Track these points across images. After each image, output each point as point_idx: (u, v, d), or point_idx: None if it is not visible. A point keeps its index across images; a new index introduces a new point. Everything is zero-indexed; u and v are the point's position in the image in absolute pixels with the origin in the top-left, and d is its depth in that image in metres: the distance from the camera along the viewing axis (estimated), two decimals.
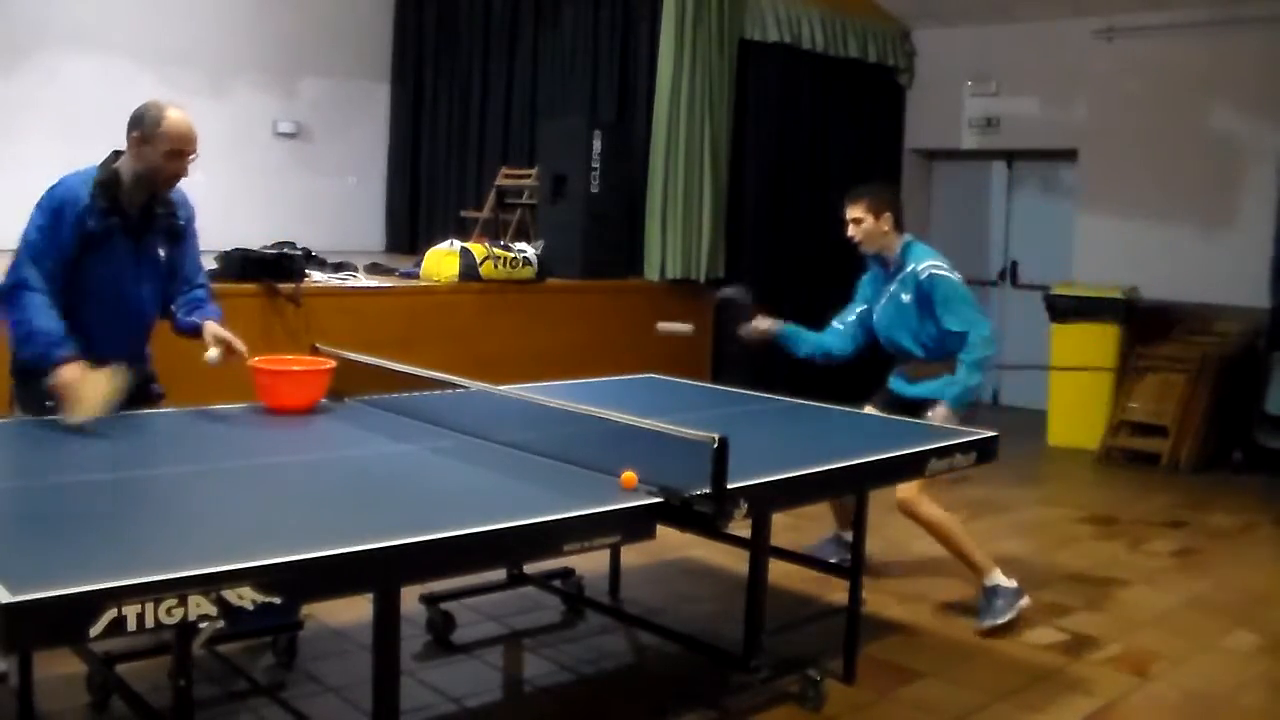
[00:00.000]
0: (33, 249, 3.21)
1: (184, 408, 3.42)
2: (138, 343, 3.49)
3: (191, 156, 3.31)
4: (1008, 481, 6.30)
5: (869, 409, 4.43)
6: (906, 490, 4.10)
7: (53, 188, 3.27)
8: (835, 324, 4.54)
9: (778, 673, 3.48)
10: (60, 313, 3.22)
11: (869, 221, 4.27)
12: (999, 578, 4.13)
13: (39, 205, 3.26)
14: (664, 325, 4.67)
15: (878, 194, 4.34)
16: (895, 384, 4.43)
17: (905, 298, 4.26)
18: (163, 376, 3.61)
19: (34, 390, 3.29)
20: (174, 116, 3.25)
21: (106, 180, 3.27)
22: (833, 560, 4.40)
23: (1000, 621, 4.06)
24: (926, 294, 4.18)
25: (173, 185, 3.36)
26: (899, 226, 4.31)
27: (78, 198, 3.23)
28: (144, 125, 3.25)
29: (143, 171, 3.27)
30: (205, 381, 3.51)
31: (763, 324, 4.48)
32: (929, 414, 4.11)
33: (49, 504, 2.43)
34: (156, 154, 3.24)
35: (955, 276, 4.21)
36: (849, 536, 4.55)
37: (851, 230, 4.31)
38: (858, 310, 4.49)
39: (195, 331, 3.47)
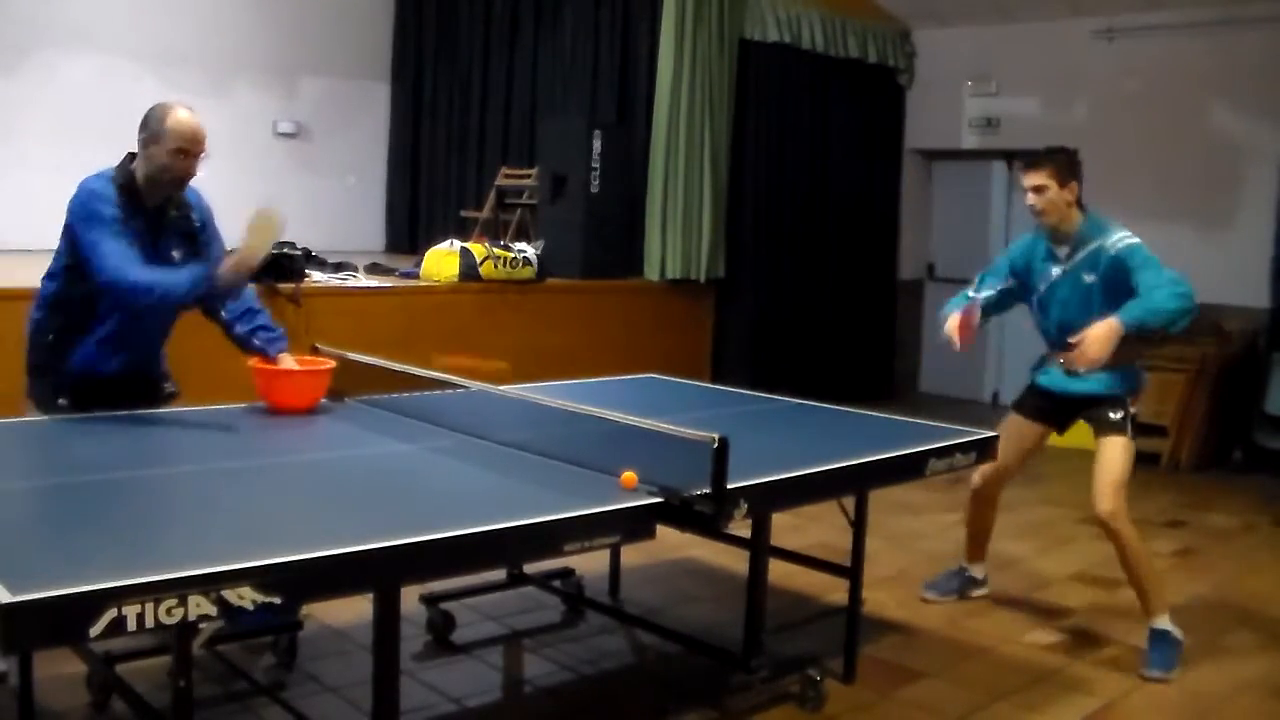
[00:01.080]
0: (102, 241, 3.15)
1: (184, 408, 3.42)
2: (154, 344, 3.50)
3: (200, 156, 3.30)
4: (1007, 482, 6.29)
5: (1014, 417, 4.14)
6: (1114, 502, 3.79)
7: (80, 193, 3.24)
8: (982, 292, 4.06)
9: (778, 673, 3.48)
10: (87, 310, 3.24)
11: (1053, 189, 3.79)
12: (1169, 623, 3.85)
13: (78, 212, 3.21)
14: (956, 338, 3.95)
15: (1065, 160, 3.84)
16: (1051, 380, 4.01)
17: (1088, 278, 3.82)
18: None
19: (48, 386, 3.30)
20: (180, 115, 3.25)
21: (124, 182, 3.27)
22: (953, 597, 4.39)
23: (1172, 673, 3.75)
24: (1122, 265, 3.72)
25: (181, 185, 3.35)
26: (1080, 202, 3.87)
27: (103, 195, 3.21)
28: (151, 125, 3.25)
29: (152, 172, 3.27)
30: (209, 381, 3.52)
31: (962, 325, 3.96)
32: (1088, 333, 3.59)
33: (49, 504, 2.43)
34: (163, 153, 3.24)
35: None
36: (978, 573, 4.47)
37: (1032, 199, 3.83)
38: (1001, 286, 4.06)
39: (259, 353, 3.48)
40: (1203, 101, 7.79)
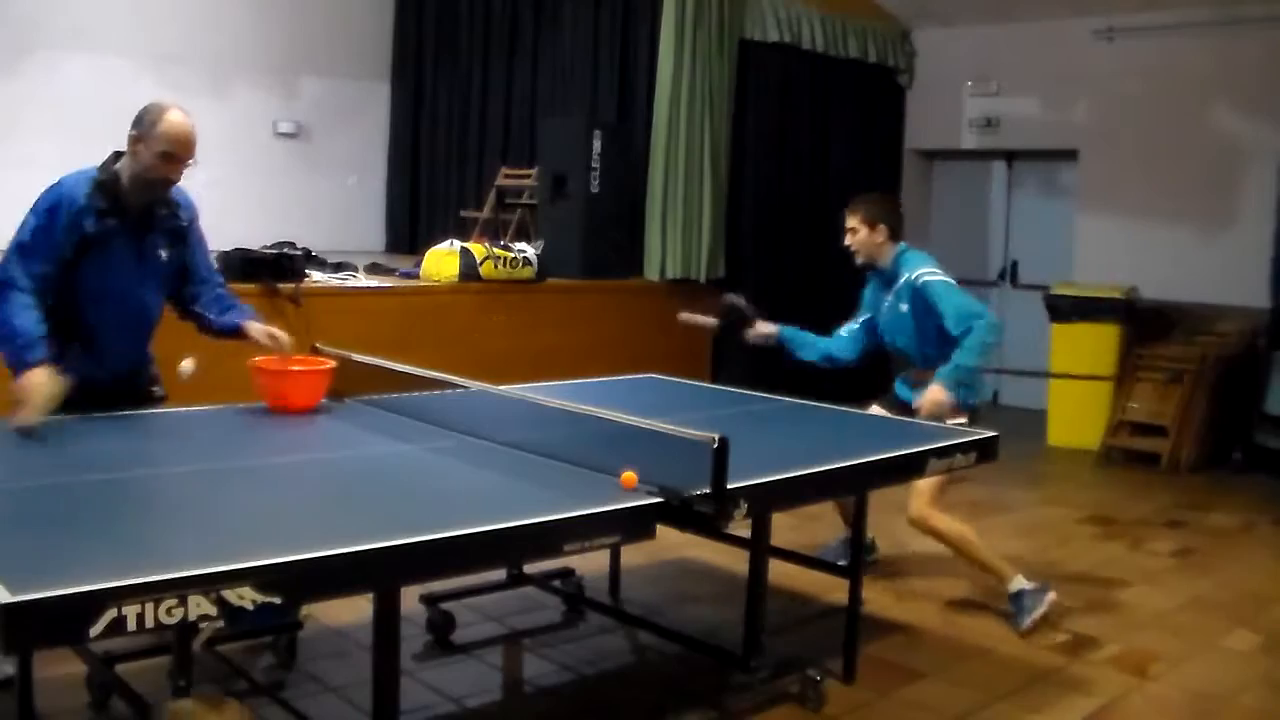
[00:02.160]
0: (23, 248, 3.18)
1: (184, 408, 3.42)
2: (141, 344, 3.48)
3: (187, 162, 3.25)
4: (1008, 481, 6.30)
5: (875, 408, 4.45)
6: (918, 507, 4.11)
7: (49, 188, 3.24)
8: (841, 331, 4.57)
9: (778, 673, 3.48)
10: (45, 314, 3.18)
11: (864, 232, 4.30)
12: (1021, 582, 4.14)
13: (34, 206, 3.22)
14: (686, 316, 4.75)
15: (874, 204, 4.36)
16: (900, 389, 4.44)
17: (903, 307, 4.27)
18: (164, 376, 3.61)
19: None
20: (172, 119, 3.20)
21: (105, 181, 3.23)
22: (841, 562, 4.39)
23: (1037, 615, 4.07)
24: (923, 300, 4.17)
25: (164, 189, 3.30)
26: (895, 237, 4.32)
27: (74, 198, 3.19)
28: (142, 124, 3.21)
29: (137, 171, 3.23)
30: (208, 381, 3.52)
31: (764, 329, 4.55)
32: (916, 398, 4.07)
33: (49, 504, 2.43)
34: (149, 154, 3.19)
35: (949, 278, 4.21)
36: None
37: (847, 239, 4.36)
38: (862, 319, 4.51)
39: (234, 331, 3.49)
40: (1203, 101, 7.80)
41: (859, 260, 4.38)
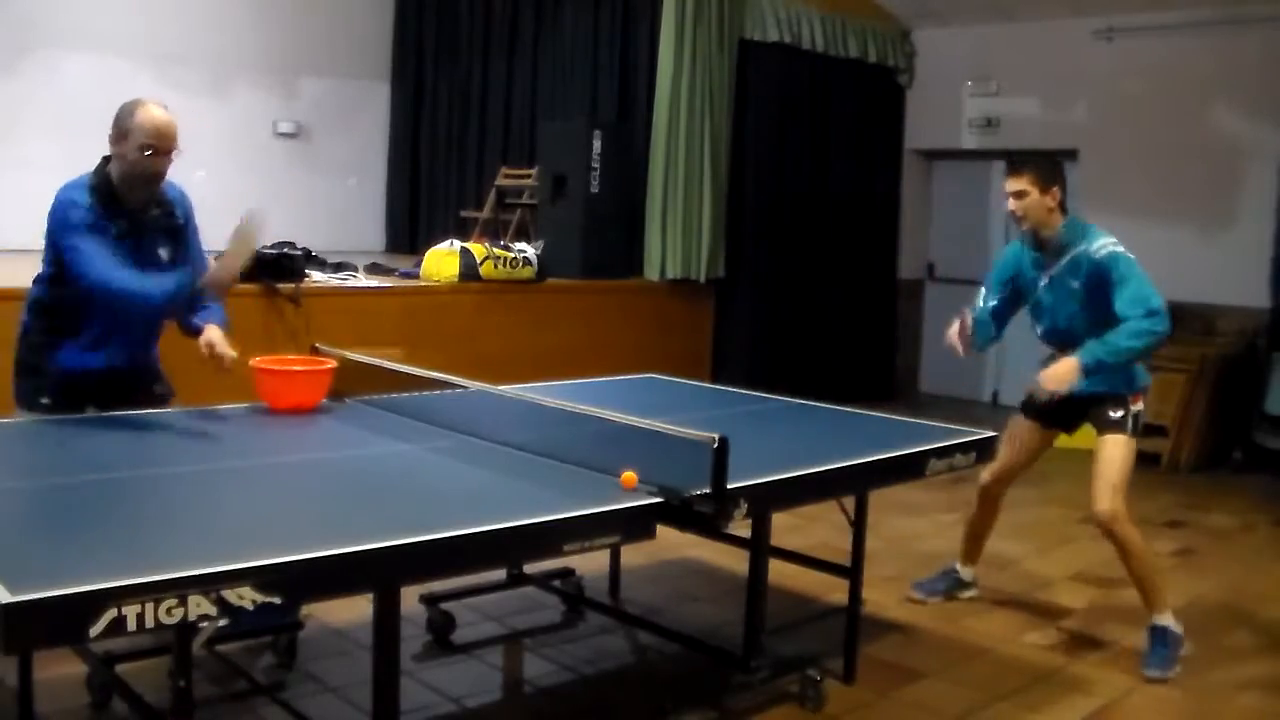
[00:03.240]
0: (84, 248, 3.15)
1: (184, 408, 3.42)
2: (142, 344, 3.49)
3: (172, 153, 3.23)
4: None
5: (1021, 420, 4.14)
6: (1112, 502, 3.79)
7: (55, 204, 3.22)
8: (983, 315, 4.09)
9: (778, 673, 3.48)
10: (54, 311, 3.24)
11: (1034, 194, 3.82)
12: (1171, 620, 3.87)
13: (55, 223, 3.20)
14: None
15: (1047, 165, 3.89)
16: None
17: (1074, 283, 3.83)
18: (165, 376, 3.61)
19: (30, 386, 3.30)
20: (149, 111, 3.18)
21: (99, 185, 3.23)
22: (939, 598, 4.39)
23: (1171, 672, 3.76)
24: (1104, 274, 3.74)
25: (153, 184, 3.28)
26: (1064, 207, 3.89)
27: (77, 203, 3.19)
28: (119, 123, 3.20)
29: (124, 170, 3.22)
30: (208, 381, 3.51)
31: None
32: (1048, 370, 3.73)
33: (49, 504, 2.43)
34: (131, 149, 3.18)
35: (1134, 258, 3.77)
36: (967, 575, 4.46)
37: (1013, 204, 3.87)
38: (998, 295, 4.09)
39: (195, 332, 3.46)
40: (1203, 101, 7.79)
41: (1025, 226, 3.90)
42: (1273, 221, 7.28)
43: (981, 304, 4.10)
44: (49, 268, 3.30)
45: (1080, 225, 3.89)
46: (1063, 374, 3.69)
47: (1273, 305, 7.17)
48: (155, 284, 3.20)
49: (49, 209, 3.23)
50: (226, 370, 3.32)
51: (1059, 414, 4.03)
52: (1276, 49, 7.43)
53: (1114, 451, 3.85)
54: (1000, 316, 4.10)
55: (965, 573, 4.47)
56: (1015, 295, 4.08)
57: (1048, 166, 3.87)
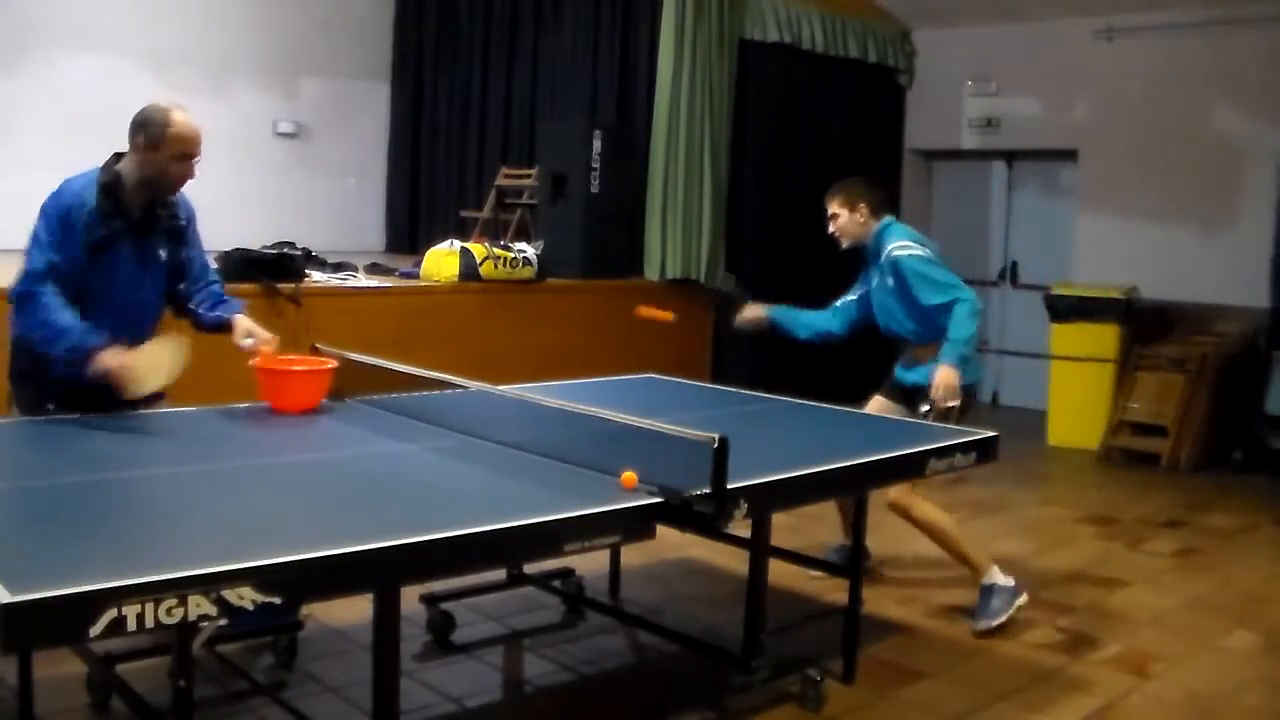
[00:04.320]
0: (43, 255, 3.17)
1: (184, 408, 3.42)
2: (142, 337, 3.49)
3: (197, 159, 3.29)
4: (1008, 481, 6.30)
5: (877, 398, 4.44)
6: (898, 491, 4.10)
7: (57, 193, 3.24)
8: (836, 304, 4.54)
9: (778, 673, 3.48)
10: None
11: (844, 215, 4.30)
12: (996, 576, 4.12)
13: (45, 212, 3.22)
14: (645, 310, 4.58)
15: (849, 186, 4.36)
16: (898, 371, 4.41)
17: (889, 282, 4.23)
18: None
19: (34, 393, 3.29)
20: (180, 120, 3.23)
21: (110, 184, 3.24)
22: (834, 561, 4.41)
23: (996, 623, 4.04)
24: (900, 275, 4.15)
25: (179, 189, 3.35)
26: (876, 214, 4.30)
27: (84, 202, 3.20)
28: (149, 130, 3.21)
29: (149, 176, 3.25)
30: (209, 381, 3.51)
31: (753, 312, 4.53)
32: (917, 378, 4.11)
33: (49, 504, 2.43)
34: (164, 159, 3.22)
35: (923, 252, 4.16)
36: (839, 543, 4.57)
37: (831, 226, 4.36)
38: (858, 293, 4.46)
39: (223, 326, 3.49)
40: (1203, 101, 7.80)
41: (844, 245, 4.37)
42: (1273, 221, 7.28)
43: (839, 301, 4.51)
44: None
45: (888, 229, 4.28)
46: (949, 382, 4.01)
47: (1273, 305, 7.17)
48: (60, 328, 3.13)
49: (50, 194, 3.23)
50: (270, 350, 3.40)
51: (902, 397, 4.32)
52: (1276, 49, 7.43)
53: None
54: (858, 316, 4.44)
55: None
56: (866, 294, 4.43)
57: (851, 187, 4.35)
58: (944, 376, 4.01)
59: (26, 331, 3.22)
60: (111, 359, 3.11)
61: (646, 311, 4.58)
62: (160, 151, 3.21)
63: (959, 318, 4.03)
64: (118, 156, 3.31)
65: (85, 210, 3.20)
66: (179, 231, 3.46)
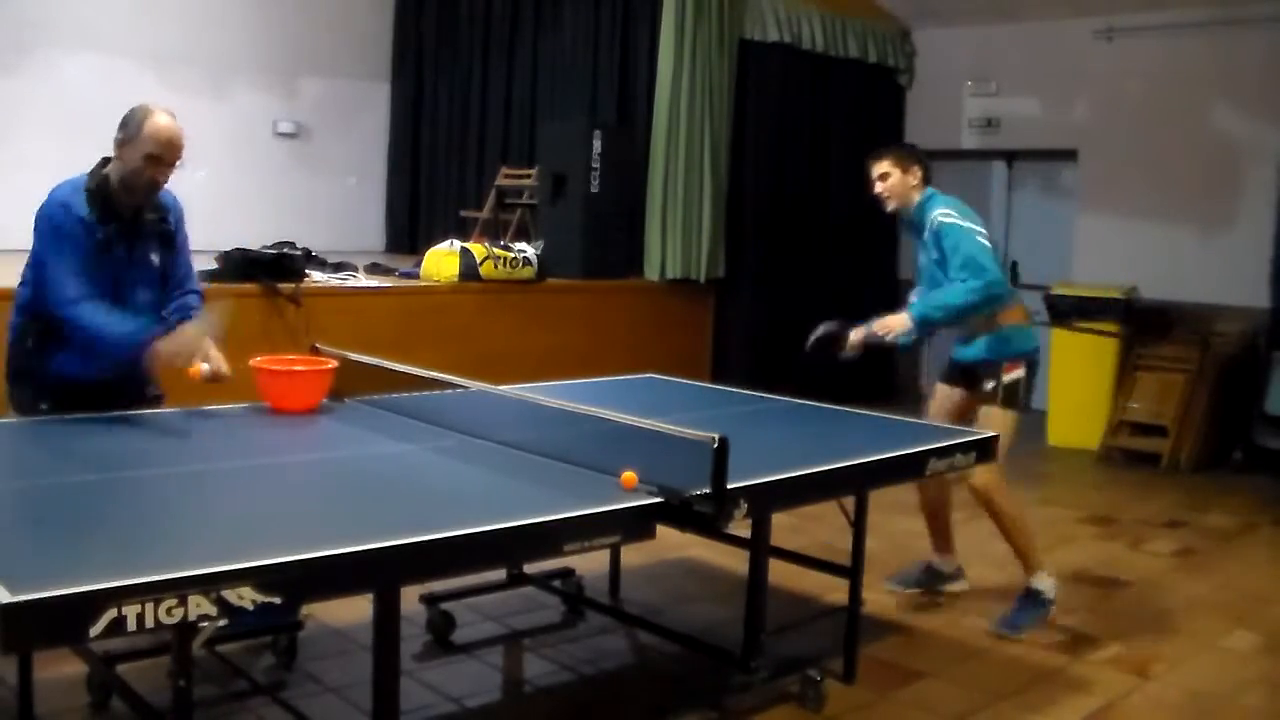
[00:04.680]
0: (59, 272, 3.15)
1: (184, 408, 3.42)
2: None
3: (174, 165, 3.23)
4: (1008, 481, 6.29)
5: (939, 386, 4.35)
6: (985, 475, 3.94)
7: (45, 207, 3.20)
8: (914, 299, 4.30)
9: (778, 673, 3.48)
10: (33, 319, 3.24)
11: (896, 175, 4.09)
12: (1045, 583, 4.09)
13: (40, 230, 3.19)
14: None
15: (904, 148, 4.19)
16: (955, 350, 4.27)
17: (933, 254, 4.07)
18: (164, 375, 3.60)
19: (29, 392, 3.29)
20: (158, 121, 3.18)
21: (97, 188, 3.22)
22: (913, 589, 4.44)
23: (1016, 637, 4.00)
24: (940, 242, 3.99)
25: (151, 193, 3.29)
26: (926, 181, 4.13)
27: (73, 208, 3.18)
28: (127, 128, 3.19)
29: (123, 175, 3.21)
30: (204, 383, 3.50)
31: (857, 336, 4.15)
32: (876, 321, 3.99)
33: (49, 504, 2.43)
34: (136, 157, 3.18)
35: (966, 224, 3.97)
36: (945, 566, 4.50)
37: (879, 187, 4.13)
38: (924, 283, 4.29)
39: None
40: (1203, 101, 7.79)
41: (890, 207, 4.17)
42: (1273, 221, 7.28)
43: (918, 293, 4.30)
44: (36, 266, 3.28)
45: (931, 199, 4.11)
46: (892, 323, 3.95)
47: (1273, 305, 7.17)
48: (116, 330, 3.17)
49: (39, 209, 3.22)
50: (211, 376, 3.28)
51: (959, 377, 4.23)
52: (1276, 49, 7.43)
53: (989, 424, 3.94)
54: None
55: (944, 564, 4.48)
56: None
57: (906, 149, 4.19)
58: (894, 320, 3.94)
59: (93, 340, 3.20)
60: (164, 346, 3.16)
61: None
62: (133, 148, 3.18)
63: (955, 289, 3.89)
64: (105, 160, 3.29)
65: (76, 217, 3.18)
66: (168, 236, 3.43)
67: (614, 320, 7.14)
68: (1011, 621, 4.05)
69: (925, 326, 3.98)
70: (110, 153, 3.28)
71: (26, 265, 3.33)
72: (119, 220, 3.27)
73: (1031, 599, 4.10)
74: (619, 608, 4.19)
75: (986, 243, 3.98)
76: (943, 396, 4.33)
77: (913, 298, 4.23)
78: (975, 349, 4.11)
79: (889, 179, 4.11)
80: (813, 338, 4.16)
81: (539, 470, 2.84)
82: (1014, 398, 4.04)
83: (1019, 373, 4.02)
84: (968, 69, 8.94)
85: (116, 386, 3.39)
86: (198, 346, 3.20)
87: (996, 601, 4.36)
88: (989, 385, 4.05)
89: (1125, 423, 7.39)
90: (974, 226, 3.99)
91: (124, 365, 3.31)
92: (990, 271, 3.90)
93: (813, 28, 8.27)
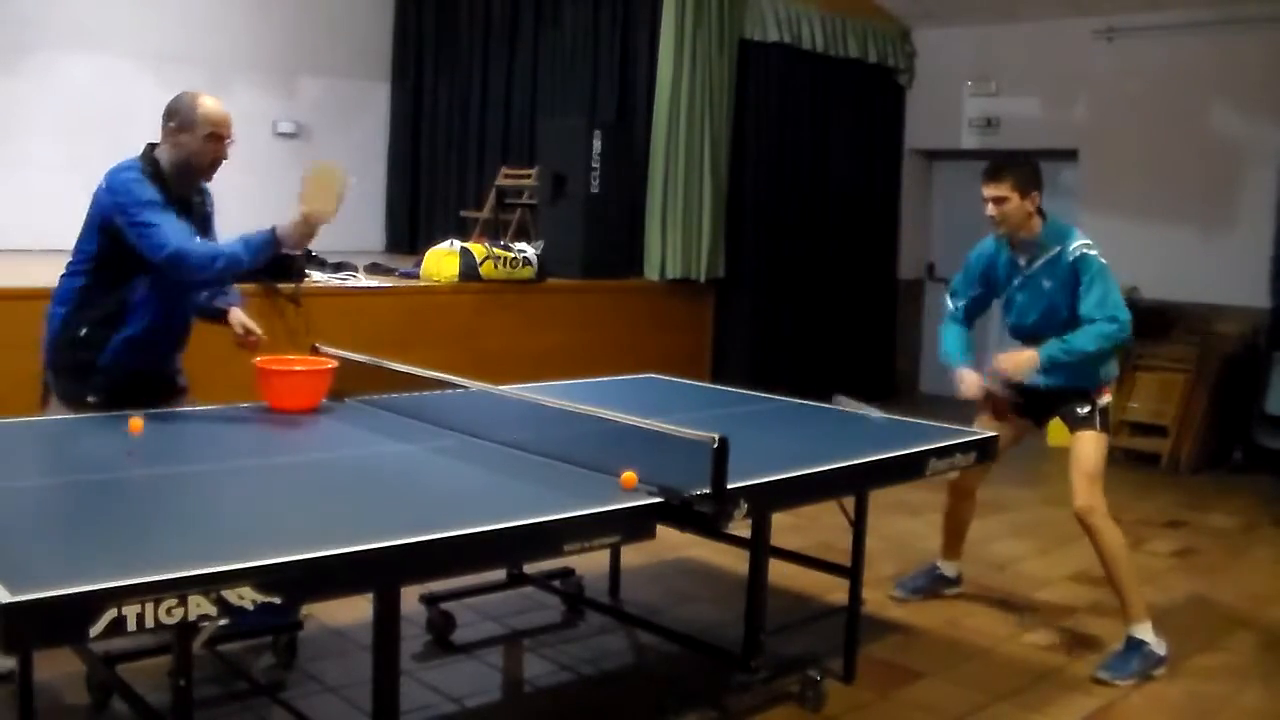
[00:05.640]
0: (158, 214, 3.20)
1: (184, 408, 3.42)
2: (185, 330, 3.55)
3: (229, 140, 3.38)
4: (1008, 481, 6.30)
5: (1001, 424, 4.08)
6: (1089, 496, 3.84)
7: (120, 175, 3.24)
8: (956, 317, 4.23)
9: (778, 673, 3.49)
10: (94, 300, 3.31)
11: (1015, 200, 3.82)
12: (1149, 633, 3.78)
13: (124, 190, 3.21)
14: (847, 404, 3.94)
15: (1026, 171, 3.87)
16: (1029, 379, 3.99)
17: (1046, 283, 3.89)
18: (186, 365, 3.64)
19: (78, 385, 3.30)
20: (209, 101, 3.37)
21: (152, 171, 3.29)
22: (920, 596, 4.42)
23: (1124, 683, 3.68)
24: (1077, 274, 3.81)
25: (214, 170, 3.41)
26: (1041, 209, 3.91)
27: (144, 180, 3.24)
28: (180, 114, 3.32)
29: (184, 159, 3.32)
30: (209, 381, 3.51)
31: (988, 385, 4.02)
32: (1003, 356, 3.85)
33: (50, 504, 2.43)
34: (196, 140, 3.31)
35: (1106, 262, 3.84)
36: (950, 571, 4.49)
37: (992, 210, 3.86)
38: (972, 295, 4.18)
39: (217, 315, 3.54)
40: (1203, 101, 7.79)
41: (1000, 232, 3.94)
42: (1273, 221, 7.28)
43: (953, 307, 4.22)
44: (91, 253, 3.32)
45: (1060, 227, 3.94)
46: (1020, 361, 3.82)
47: (1273, 305, 7.17)
48: (233, 247, 3.27)
49: (105, 189, 3.25)
50: (256, 348, 3.45)
51: (1027, 407, 4.09)
52: (1276, 49, 7.43)
53: (1086, 448, 3.92)
54: (971, 314, 4.22)
55: (948, 569, 4.48)
56: (986, 293, 4.16)
57: (1028, 172, 3.89)
58: (1022, 355, 3.78)
59: (212, 275, 3.30)
60: (291, 229, 3.31)
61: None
62: (192, 133, 3.31)
63: (1093, 332, 3.74)
64: (152, 147, 3.37)
65: (148, 185, 3.24)
66: (208, 218, 3.56)
67: (614, 320, 7.13)
68: (1117, 667, 3.73)
69: (1052, 367, 3.81)
70: (128, 145, 3.37)
71: (77, 254, 3.35)
72: (172, 204, 3.31)
73: (1135, 647, 3.77)
74: (619, 608, 4.19)
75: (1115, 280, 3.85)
76: (1013, 428, 4.16)
77: (956, 316, 4.19)
78: (1058, 377, 3.89)
79: (1007, 204, 3.83)
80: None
81: (539, 470, 2.84)
82: (1108, 421, 3.98)
83: (1109, 397, 3.96)
84: (968, 69, 8.94)
85: (156, 378, 3.46)
86: (325, 211, 3.34)
87: (996, 602, 4.37)
88: (1083, 410, 3.92)
89: (1125, 423, 7.39)
90: (1108, 268, 3.85)
91: (171, 350, 3.45)
92: (1127, 325, 3.78)
93: (813, 28, 8.27)
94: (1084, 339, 3.76)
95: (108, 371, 3.32)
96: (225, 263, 3.25)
